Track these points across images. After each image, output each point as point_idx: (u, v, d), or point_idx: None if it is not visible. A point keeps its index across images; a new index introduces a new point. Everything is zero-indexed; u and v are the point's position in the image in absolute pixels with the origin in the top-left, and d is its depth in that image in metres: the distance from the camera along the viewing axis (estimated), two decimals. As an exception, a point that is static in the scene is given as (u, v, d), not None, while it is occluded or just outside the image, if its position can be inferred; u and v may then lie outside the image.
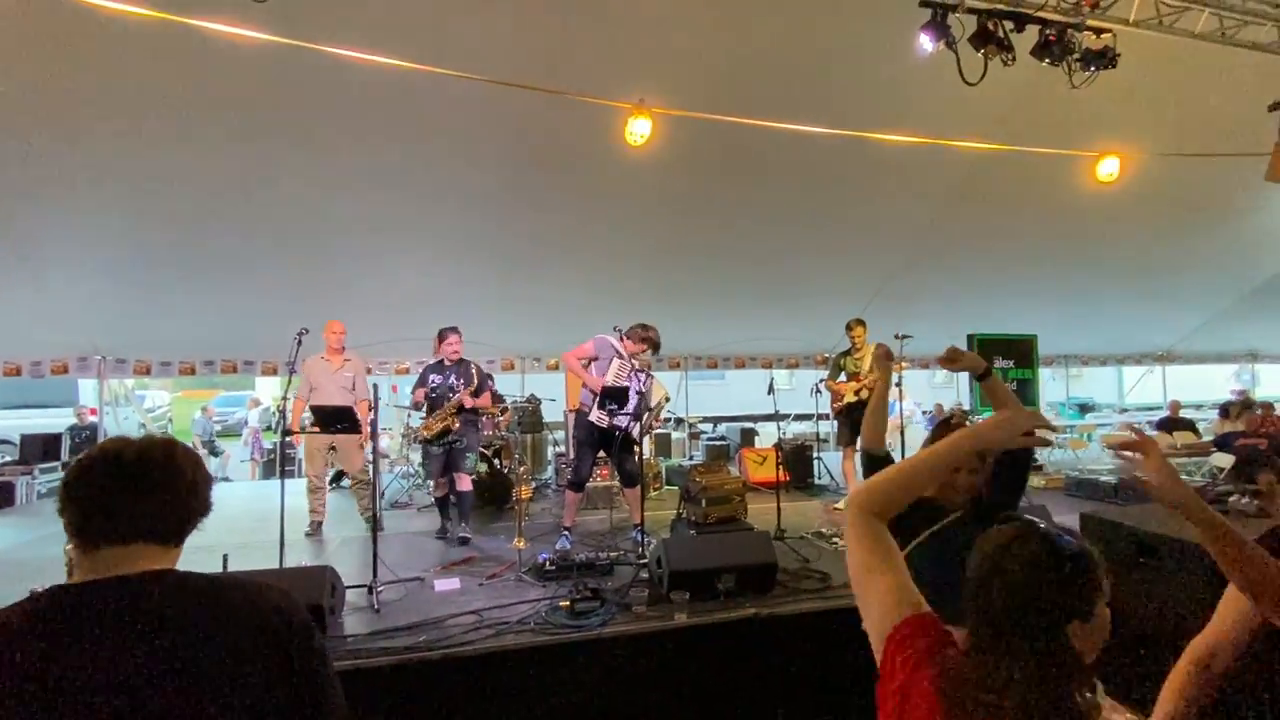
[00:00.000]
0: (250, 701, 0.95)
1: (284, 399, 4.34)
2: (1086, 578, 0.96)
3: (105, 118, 4.84)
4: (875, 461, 2.11)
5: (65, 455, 8.37)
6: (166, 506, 1.01)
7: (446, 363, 5.03)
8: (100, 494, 0.98)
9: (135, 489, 0.99)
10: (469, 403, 4.94)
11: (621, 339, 4.66)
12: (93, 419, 8.97)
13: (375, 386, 4.35)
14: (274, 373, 7.79)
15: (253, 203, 5.86)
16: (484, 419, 5.60)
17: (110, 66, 4.47)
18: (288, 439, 5.35)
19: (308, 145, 5.38)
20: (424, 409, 5.04)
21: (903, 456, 4.99)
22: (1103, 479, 6.14)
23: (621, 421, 4.50)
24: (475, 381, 4.97)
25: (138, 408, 13.56)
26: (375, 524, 3.97)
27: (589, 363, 4.62)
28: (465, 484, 5.09)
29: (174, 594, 0.98)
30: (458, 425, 4.93)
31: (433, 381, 5.00)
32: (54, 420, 9.73)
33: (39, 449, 8.21)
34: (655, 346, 4.65)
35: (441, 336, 5.07)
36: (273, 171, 5.57)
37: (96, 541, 0.97)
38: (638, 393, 4.56)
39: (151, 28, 3.87)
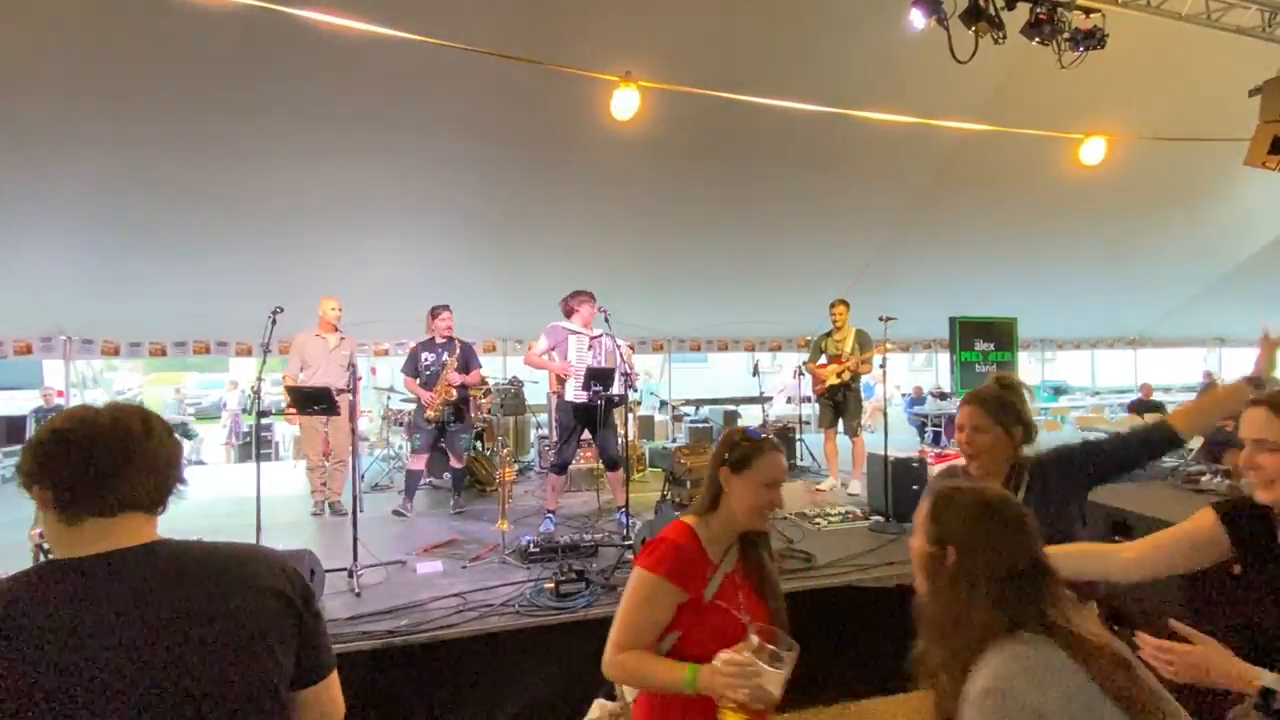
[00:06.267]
0: (265, 666, 0.95)
1: (259, 380, 4.23)
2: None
3: (74, 89, 4.63)
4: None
5: (31, 438, 8.11)
6: (150, 475, 0.99)
7: (438, 340, 5.06)
8: (84, 465, 0.93)
9: (120, 458, 0.95)
10: (456, 379, 4.97)
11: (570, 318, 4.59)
12: (60, 401, 8.69)
13: (355, 367, 4.27)
14: (248, 354, 7.60)
15: (226, 178, 5.66)
16: (475, 400, 5.58)
17: (80, 37, 4.26)
18: (264, 421, 5.24)
19: (284, 120, 5.20)
20: (420, 385, 5.07)
21: (885, 439, 5.01)
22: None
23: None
24: (461, 355, 5.03)
25: (107, 390, 13.19)
26: (355, 506, 3.89)
27: (549, 354, 4.54)
28: (457, 462, 5.27)
29: (176, 564, 0.96)
30: (454, 396, 4.99)
31: (425, 359, 5.05)
32: (19, 403, 9.42)
33: (3, 432, 7.96)
34: (573, 312, 4.54)
35: (434, 313, 5.12)
36: (248, 146, 5.37)
37: (81, 515, 0.93)
38: (624, 374, 4.51)
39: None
